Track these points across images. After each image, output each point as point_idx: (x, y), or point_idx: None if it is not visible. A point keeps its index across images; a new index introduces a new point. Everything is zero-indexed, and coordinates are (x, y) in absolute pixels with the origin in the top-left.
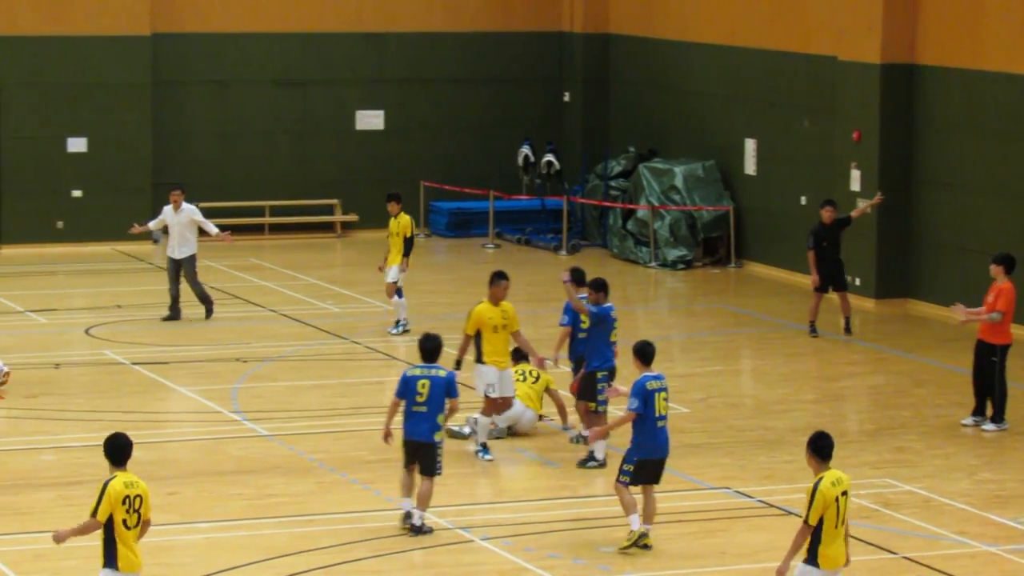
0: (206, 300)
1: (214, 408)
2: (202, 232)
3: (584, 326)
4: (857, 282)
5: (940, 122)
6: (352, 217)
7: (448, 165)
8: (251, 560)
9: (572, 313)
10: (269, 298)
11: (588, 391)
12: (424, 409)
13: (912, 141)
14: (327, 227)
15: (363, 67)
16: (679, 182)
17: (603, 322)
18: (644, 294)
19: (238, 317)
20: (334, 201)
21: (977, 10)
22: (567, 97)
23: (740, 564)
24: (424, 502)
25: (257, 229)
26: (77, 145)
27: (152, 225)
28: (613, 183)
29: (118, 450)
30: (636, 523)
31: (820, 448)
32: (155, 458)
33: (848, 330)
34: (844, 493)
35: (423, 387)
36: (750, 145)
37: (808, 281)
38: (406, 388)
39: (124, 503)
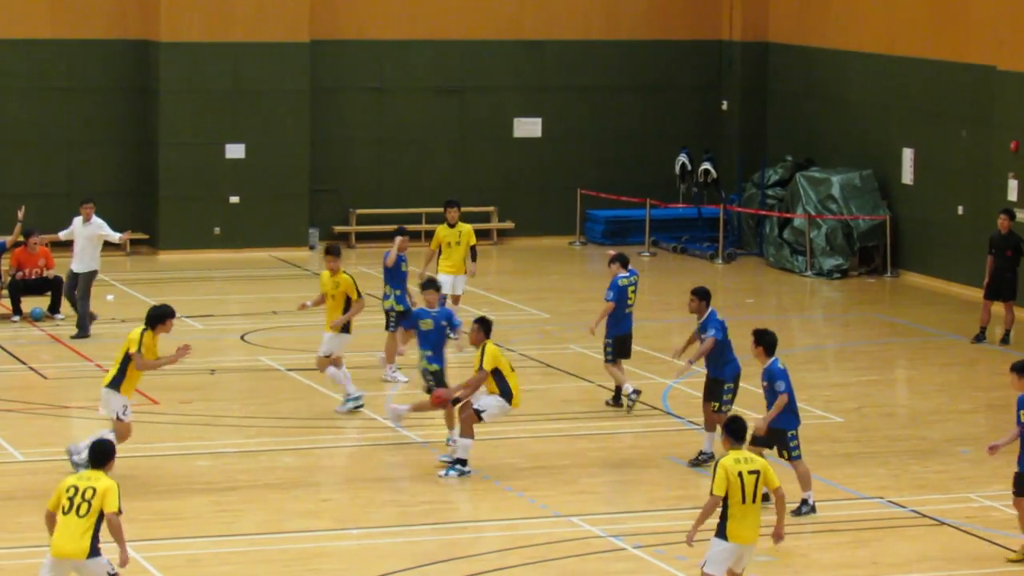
0: (85, 323)
1: (368, 415)
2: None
3: (630, 302)
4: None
5: None
6: (508, 224)
7: (605, 173)
8: (403, 567)
9: (618, 291)
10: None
11: (715, 392)
12: None
13: None
14: (483, 234)
15: (521, 75)
16: (836, 191)
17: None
18: (799, 303)
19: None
20: (491, 208)
21: None
22: (725, 106)
23: (892, 574)
24: (805, 484)
25: (413, 236)
26: (235, 151)
27: (63, 235)
28: (770, 192)
29: (91, 452)
30: None
31: (733, 431)
32: (309, 464)
33: (1005, 340)
34: (753, 472)
35: None
36: (907, 154)
37: (965, 290)
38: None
39: (68, 491)
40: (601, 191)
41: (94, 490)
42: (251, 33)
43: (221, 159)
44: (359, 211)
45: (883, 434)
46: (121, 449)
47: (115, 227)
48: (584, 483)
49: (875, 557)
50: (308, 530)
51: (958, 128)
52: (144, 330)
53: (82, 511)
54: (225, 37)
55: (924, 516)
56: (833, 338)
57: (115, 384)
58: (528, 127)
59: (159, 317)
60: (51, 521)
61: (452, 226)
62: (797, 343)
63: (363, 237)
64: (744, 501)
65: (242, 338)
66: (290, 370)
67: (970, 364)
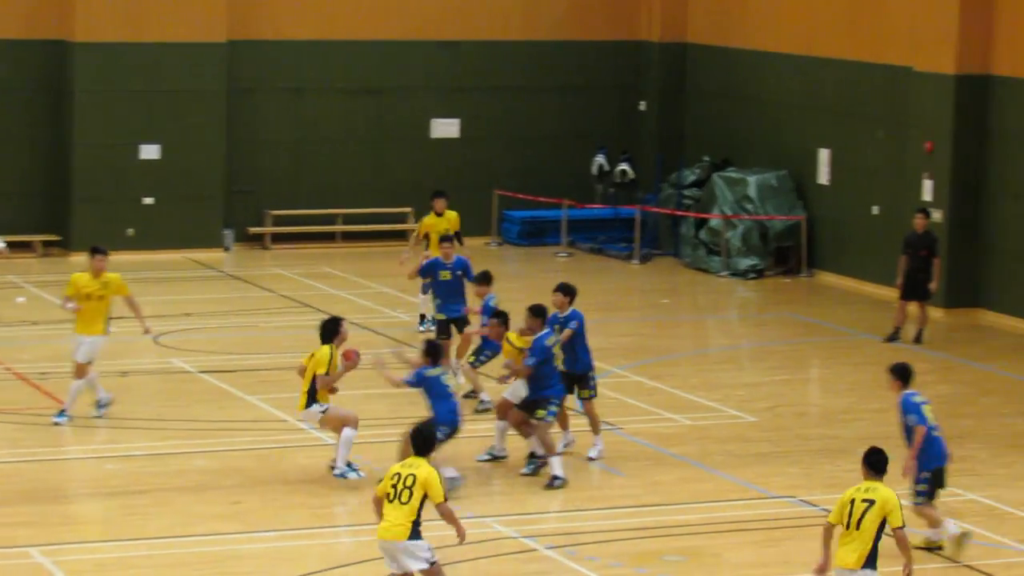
0: None
1: (280, 417)
2: None
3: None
4: None
5: (1013, 133)
6: None
7: (522, 174)
8: (315, 569)
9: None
10: (340, 306)
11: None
12: None
13: (984, 152)
14: (400, 235)
15: (439, 75)
16: (752, 191)
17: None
18: (715, 303)
19: (307, 325)
20: (407, 209)
21: None
22: (643, 106)
23: (804, 573)
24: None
25: (329, 237)
26: (150, 152)
27: None
28: (686, 192)
29: (414, 439)
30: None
31: (870, 463)
32: (220, 467)
33: (918, 340)
34: (866, 501)
35: None
36: (824, 155)
37: (879, 290)
38: None
39: (392, 479)
40: (518, 192)
41: (414, 477)
42: (167, 33)
43: (135, 160)
44: (275, 212)
45: (796, 433)
46: (29, 453)
47: (25, 230)
48: (498, 484)
49: (787, 556)
50: (220, 533)
51: (874, 128)
52: (330, 348)
53: (404, 498)
54: (141, 37)
55: None
56: (748, 338)
57: (310, 403)
58: (445, 128)
59: (334, 330)
60: (377, 506)
61: (440, 215)
62: (712, 343)
63: (279, 238)
64: (848, 527)
65: (155, 340)
66: (202, 372)
67: (882, 363)
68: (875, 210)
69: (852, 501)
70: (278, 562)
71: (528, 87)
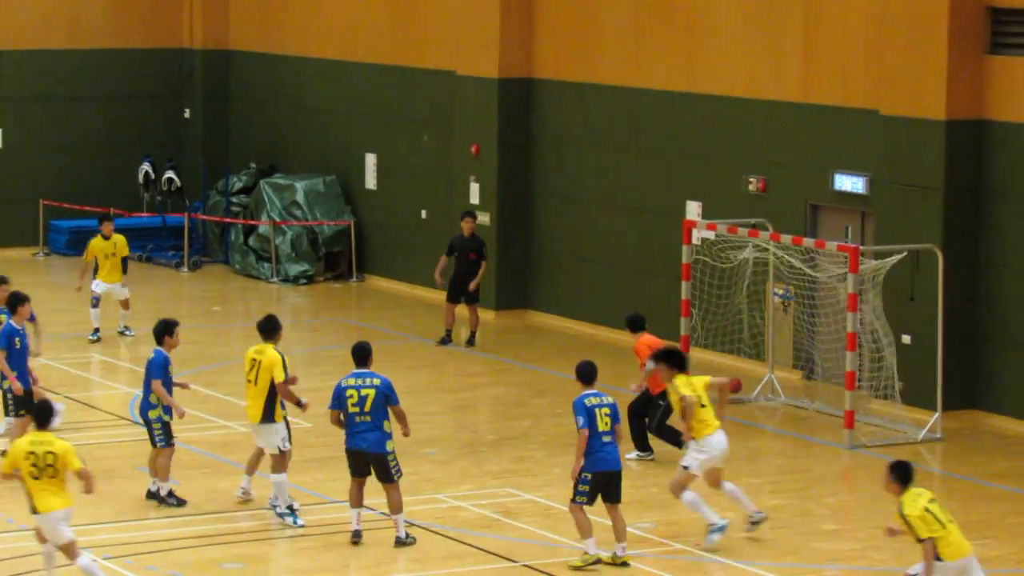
0: None
1: None
2: None
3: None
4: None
5: (556, 135)
6: None
7: (68, 183)
8: None
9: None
10: None
11: None
12: (368, 419)
13: (529, 154)
14: None
15: None
16: (300, 197)
17: None
18: (266, 310)
19: None
20: None
21: (590, 26)
22: (187, 113)
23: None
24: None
25: None
26: None
27: None
28: (234, 199)
29: (36, 412)
30: (592, 547)
31: (900, 474)
32: None
33: (471, 342)
34: (932, 500)
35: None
36: (370, 160)
37: (429, 293)
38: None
39: (27, 458)
40: (64, 201)
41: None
42: None
43: None
44: None
45: None
46: None
47: None
48: None
49: (346, 560)
50: None
51: (419, 133)
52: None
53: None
54: None
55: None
56: (301, 344)
57: (268, 418)
58: None
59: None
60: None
61: (107, 238)
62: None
63: None
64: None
65: None
66: None
67: (436, 366)
68: (423, 214)
69: (926, 509)
70: None
71: (72, 96)
